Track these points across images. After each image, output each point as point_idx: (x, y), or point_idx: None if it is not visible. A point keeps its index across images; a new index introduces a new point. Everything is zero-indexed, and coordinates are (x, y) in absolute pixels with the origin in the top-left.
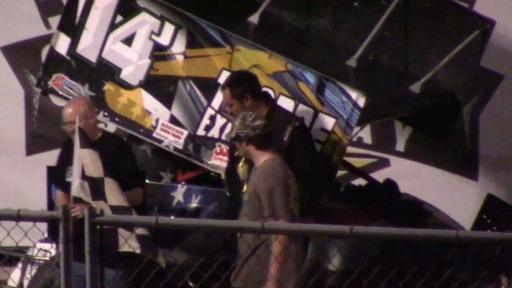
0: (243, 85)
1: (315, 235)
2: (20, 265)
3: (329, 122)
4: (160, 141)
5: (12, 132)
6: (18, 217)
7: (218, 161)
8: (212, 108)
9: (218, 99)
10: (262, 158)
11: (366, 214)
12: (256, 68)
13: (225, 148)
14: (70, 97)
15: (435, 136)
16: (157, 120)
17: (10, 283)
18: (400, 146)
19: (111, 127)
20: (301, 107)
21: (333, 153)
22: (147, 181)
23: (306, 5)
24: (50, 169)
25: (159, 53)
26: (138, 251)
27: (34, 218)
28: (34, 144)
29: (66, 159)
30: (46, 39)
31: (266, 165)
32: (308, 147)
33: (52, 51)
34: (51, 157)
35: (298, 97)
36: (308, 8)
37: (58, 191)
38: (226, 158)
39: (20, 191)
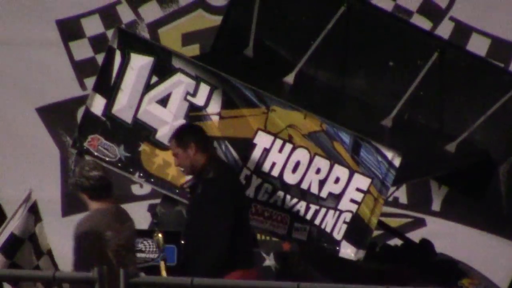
0: (188, 135)
1: None
2: None
3: (364, 182)
4: None
5: (48, 193)
6: (53, 279)
7: (254, 222)
8: (248, 168)
9: (254, 159)
10: (93, 207)
11: (401, 274)
12: (291, 128)
13: (260, 208)
14: (106, 158)
15: (471, 195)
16: None
17: None
18: (436, 205)
19: (147, 188)
20: (337, 167)
21: (369, 213)
22: (182, 242)
23: (341, 65)
24: None
25: (194, 113)
26: None
27: (70, 280)
28: (70, 205)
29: None
30: (81, 100)
31: (86, 214)
32: (204, 204)
33: (88, 112)
34: None
35: (333, 157)
36: (343, 68)
37: None
38: (261, 218)
39: (56, 251)
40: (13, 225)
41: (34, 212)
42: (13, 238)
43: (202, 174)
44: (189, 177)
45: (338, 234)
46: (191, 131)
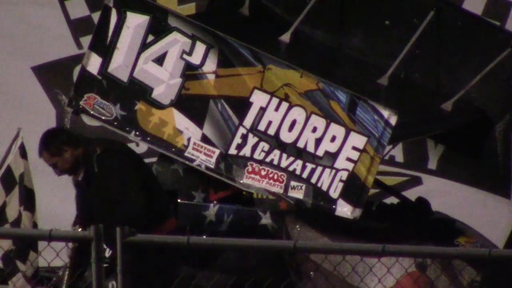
0: (55, 142)
1: (348, 254)
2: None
3: (361, 140)
4: (192, 160)
5: None
6: (50, 237)
7: (250, 180)
8: (244, 127)
9: (250, 118)
10: None
11: (398, 233)
12: (287, 87)
13: (257, 167)
14: (102, 117)
15: (467, 154)
16: (188, 139)
17: None
18: (432, 164)
19: (143, 146)
20: (333, 125)
21: (366, 171)
22: (179, 200)
23: (337, 24)
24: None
25: (190, 72)
26: None
27: (66, 238)
28: None
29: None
30: (77, 59)
31: None
32: (108, 172)
33: (84, 71)
34: None
35: (330, 116)
36: (340, 26)
37: None
38: (258, 177)
39: (52, 210)
40: (10, 158)
41: (22, 149)
42: (10, 172)
43: (87, 162)
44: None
45: (334, 193)
46: (55, 136)
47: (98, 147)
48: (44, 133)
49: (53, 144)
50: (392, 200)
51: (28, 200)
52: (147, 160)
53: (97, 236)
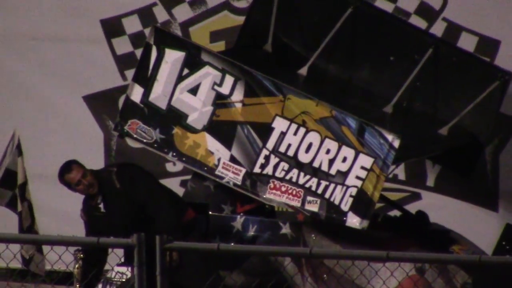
0: (83, 167)
1: (357, 259)
2: (100, 285)
3: (368, 161)
4: (222, 178)
5: None
6: (98, 244)
7: (272, 195)
8: (267, 149)
9: (272, 141)
10: None
11: (400, 242)
12: (305, 114)
13: (278, 183)
14: (144, 140)
15: (461, 173)
16: (219, 160)
17: None
18: (431, 181)
19: (179, 166)
20: (344, 148)
21: (372, 188)
22: (210, 212)
23: (348, 59)
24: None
25: (220, 101)
26: None
27: (112, 245)
28: None
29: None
30: (122, 89)
31: None
32: (136, 180)
33: (128, 99)
34: None
35: (341, 140)
36: (350, 61)
37: None
38: (279, 192)
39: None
40: (7, 162)
41: (18, 147)
42: (9, 173)
43: (104, 185)
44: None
45: (345, 206)
46: (81, 164)
47: (110, 167)
48: (70, 161)
49: (82, 168)
50: (395, 213)
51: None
52: (182, 178)
53: (139, 243)
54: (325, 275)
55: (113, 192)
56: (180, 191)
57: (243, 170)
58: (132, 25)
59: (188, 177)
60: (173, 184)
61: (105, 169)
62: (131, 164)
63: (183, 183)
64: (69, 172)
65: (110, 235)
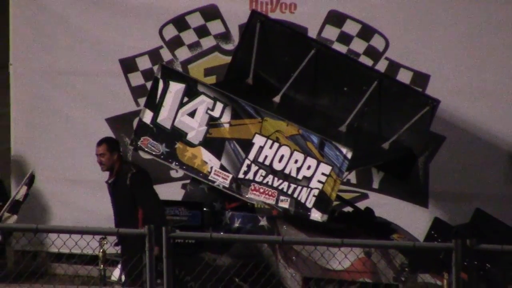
0: (117, 145)
1: (318, 245)
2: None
3: (327, 168)
4: (213, 182)
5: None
6: (118, 233)
7: (252, 195)
8: (248, 159)
9: (252, 153)
10: None
11: (352, 231)
12: (278, 133)
13: (257, 186)
14: (153, 153)
15: (399, 177)
16: (211, 168)
17: (112, 278)
18: (376, 184)
19: (180, 172)
20: (309, 159)
21: (330, 189)
22: (204, 209)
23: (312, 89)
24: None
25: (212, 122)
26: None
27: (128, 234)
28: None
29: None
30: (136, 113)
31: None
32: (143, 187)
33: (140, 121)
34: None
35: (306, 152)
36: (313, 91)
37: None
38: (258, 193)
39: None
40: (17, 196)
41: (28, 184)
42: (16, 202)
43: (120, 172)
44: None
45: (309, 204)
46: (117, 142)
47: (133, 167)
48: (111, 137)
49: (114, 142)
50: (348, 209)
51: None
52: (183, 182)
53: (149, 233)
54: (294, 257)
55: (122, 185)
56: (181, 192)
57: (230, 176)
58: (144, 63)
59: (188, 181)
60: (176, 187)
61: (130, 165)
62: (146, 172)
63: (183, 186)
64: (98, 145)
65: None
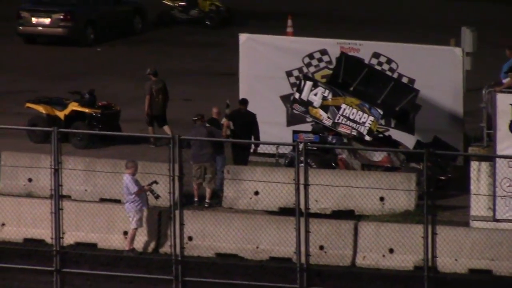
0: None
1: (367, 150)
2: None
3: (372, 118)
4: (324, 123)
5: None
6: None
7: (341, 129)
8: (339, 114)
9: (341, 111)
10: None
11: (381, 143)
12: (351, 102)
13: (343, 125)
14: (299, 111)
15: (402, 122)
16: (323, 117)
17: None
18: (392, 124)
19: (310, 119)
20: (364, 114)
21: (373, 127)
22: (320, 134)
23: (366, 85)
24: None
25: (324, 99)
26: None
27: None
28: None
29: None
30: (291, 95)
31: None
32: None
33: (294, 97)
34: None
35: (363, 111)
36: (366, 86)
37: None
38: (344, 128)
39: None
40: None
41: None
42: None
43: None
44: None
45: (364, 132)
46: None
47: (242, 108)
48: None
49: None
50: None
51: None
52: (311, 123)
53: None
54: (357, 155)
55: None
56: (310, 127)
57: (331, 120)
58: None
59: (313, 123)
60: (309, 126)
61: (243, 109)
62: (252, 114)
63: (311, 125)
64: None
65: None
